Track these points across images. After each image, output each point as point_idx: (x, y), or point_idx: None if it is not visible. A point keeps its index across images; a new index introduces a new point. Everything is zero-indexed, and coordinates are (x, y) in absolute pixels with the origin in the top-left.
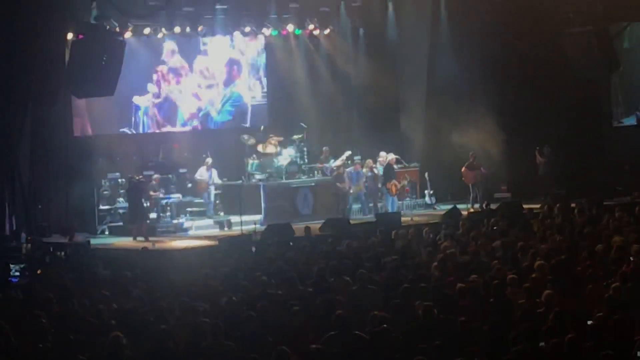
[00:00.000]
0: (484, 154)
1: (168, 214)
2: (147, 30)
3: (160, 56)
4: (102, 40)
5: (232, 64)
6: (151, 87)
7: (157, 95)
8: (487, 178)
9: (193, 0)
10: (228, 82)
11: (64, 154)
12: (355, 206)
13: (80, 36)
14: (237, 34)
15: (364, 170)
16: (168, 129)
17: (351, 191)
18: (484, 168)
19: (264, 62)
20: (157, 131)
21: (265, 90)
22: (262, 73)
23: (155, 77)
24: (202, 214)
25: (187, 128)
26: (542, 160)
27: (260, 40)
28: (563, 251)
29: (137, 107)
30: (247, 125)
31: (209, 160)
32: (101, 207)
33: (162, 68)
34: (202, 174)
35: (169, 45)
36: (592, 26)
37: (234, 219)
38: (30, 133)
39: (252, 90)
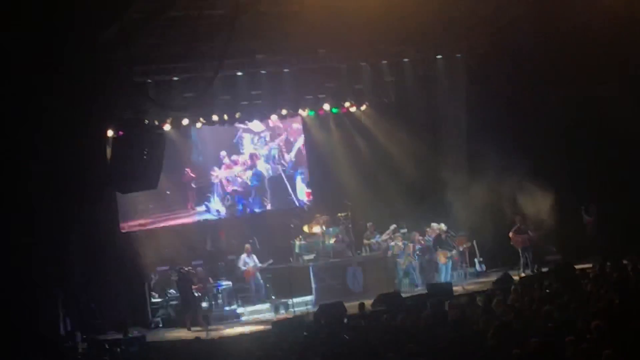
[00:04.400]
0: (531, 217)
1: (220, 301)
2: (185, 121)
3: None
4: (142, 135)
5: (273, 148)
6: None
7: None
8: (536, 241)
9: (228, 88)
10: (269, 165)
11: (113, 250)
12: (405, 279)
13: (120, 132)
14: (274, 117)
15: (412, 242)
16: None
17: (401, 264)
18: (532, 231)
19: (302, 142)
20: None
21: (307, 171)
22: (302, 154)
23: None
24: (253, 299)
25: (230, 213)
26: (589, 219)
27: (298, 121)
28: (619, 310)
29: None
30: (291, 206)
31: (248, 246)
32: (153, 300)
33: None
34: (244, 261)
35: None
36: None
37: (286, 301)
38: (78, 232)
39: (294, 172)
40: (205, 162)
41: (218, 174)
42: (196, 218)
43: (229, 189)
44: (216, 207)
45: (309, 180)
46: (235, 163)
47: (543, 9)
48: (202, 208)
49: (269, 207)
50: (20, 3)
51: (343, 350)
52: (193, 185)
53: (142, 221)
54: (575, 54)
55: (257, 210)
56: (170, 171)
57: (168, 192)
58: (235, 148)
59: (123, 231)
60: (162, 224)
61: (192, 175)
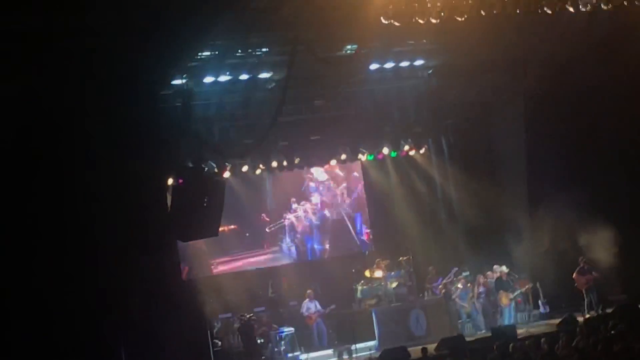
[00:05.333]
0: (595, 256)
1: (282, 348)
2: (245, 168)
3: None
4: (202, 183)
5: (336, 195)
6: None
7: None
8: (600, 282)
9: (287, 134)
10: (332, 209)
11: (175, 298)
12: (468, 322)
13: (180, 181)
14: (333, 162)
15: (475, 285)
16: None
17: (463, 307)
18: (596, 271)
19: (362, 187)
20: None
21: (366, 213)
22: (362, 198)
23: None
24: (316, 346)
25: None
26: None
27: (358, 169)
28: None
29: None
30: (353, 249)
31: (311, 292)
32: (216, 347)
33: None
34: (307, 307)
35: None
36: None
37: (349, 347)
38: (140, 280)
39: (355, 214)
40: (278, 208)
41: (289, 218)
42: (271, 256)
43: (299, 229)
44: (288, 246)
45: (369, 223)
46: (305, 210)
47: (604, 49)
48: (277, 248)
49: (327, 247)
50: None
51: None
52: (267, 230)
53: (228, 258)
54: (637, 93)
55: (317, 246)
56: (246, 215)
57: (247, 234)
58: (303, 195)
59: (184, 277)
60: (241, 262)
61: (266, 219)
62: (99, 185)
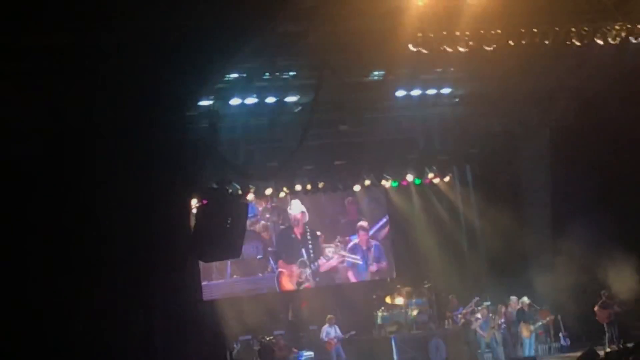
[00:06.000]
0: (617, 291)
1: None
2: (269, 191)
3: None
4: (226, 204)
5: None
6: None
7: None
8: (622, 316)
9: (311, 158)
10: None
11: (195, 319)
12: (489, 353)
13: (204, 201)
14: (357, 187)
15: (496, 315)
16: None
17: (484, 337)
18: (618, 306)
19: (385, 214)
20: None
21: (388, 241)
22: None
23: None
24: None
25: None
26: None
27: (382, 192)
28: None
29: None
30: (373, 278)
31: (332, 317)
32: None
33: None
34: (327, 332)
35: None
36: None
37: None
38: (161, 300)
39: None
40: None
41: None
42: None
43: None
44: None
45: (392, 251)
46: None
47: (632, 83)
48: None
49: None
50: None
51: None
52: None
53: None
54: None
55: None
56: None
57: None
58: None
59: (205, 298)
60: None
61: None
62: (123, 205)
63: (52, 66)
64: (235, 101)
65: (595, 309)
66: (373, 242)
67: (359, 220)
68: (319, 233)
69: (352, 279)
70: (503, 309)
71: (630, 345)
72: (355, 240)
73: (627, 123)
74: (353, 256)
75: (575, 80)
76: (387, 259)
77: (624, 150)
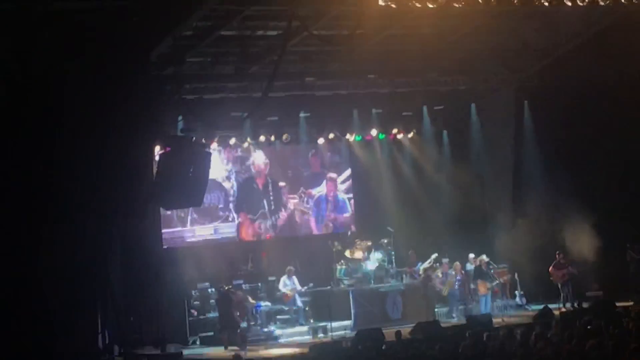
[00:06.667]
0: (574, 252)
1: (258, 322)
2: (232, 141)
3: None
4: (189, 152)
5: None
6: None
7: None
8: (577, 277)
9: (277, 110)
10: (317, 187)
11: (155, 266)
12: (444, 309)
13: (167, 149)
14: (321, 140)
15: (453, 272)
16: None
17: (442, 292)
18: (572, 267)
19: (348, 167)
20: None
21: (350, 195)
22: (347, 178)
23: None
24: (292, 322)
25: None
26: (634, 257)
27: (345, 146)
28: None
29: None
30: (334, 230)
31: (291, 269)
32: (192, 317)
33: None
34: (285, 283)
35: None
36: None
37: (324, 325)
38: (121, 246)
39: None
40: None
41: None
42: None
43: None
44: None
45: (353, 205)
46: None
47: (598, 42)
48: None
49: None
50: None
51: None
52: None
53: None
54: (633, 89)
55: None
56: None
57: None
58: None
59: (165, 245)
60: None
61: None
62: (86, 151)
63: (19, 14)
64: (201, 50)
65: (550, 269)
66: (337, 195)
67: (322, 172)
68: (282, 184)
69: (313, 231)
70: (461, 267)
71: (586, 306)
72: (319, 191)
73: (591, 85)
74: (311, 208)
75: (541, 41)
76: (349, 212)
77: (587, 112)
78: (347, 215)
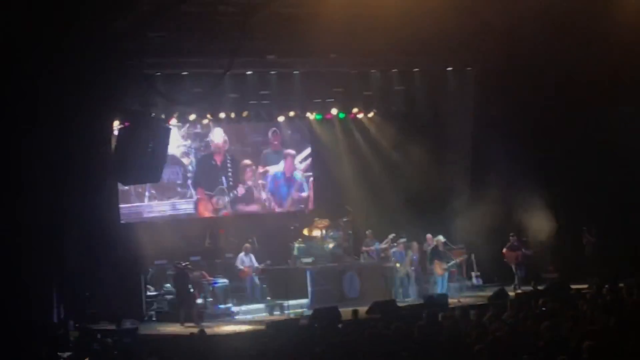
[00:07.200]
0: (529, 235)
1: (215, 298)
2: (192, 117)
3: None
4: (148, 127)
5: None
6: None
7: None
8: (532, 259)
9: (237, 87)
10: (275, 165)
11: (111, 241)
12: (401, 288)
13: (126, 123)
14: (281, 118)
15: (411, 252)
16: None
17: (398, 273)
18: (527, 249)
19: (308, 145)
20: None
21: (309, 173)
22: (306, 157)
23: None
24: (248, 299)
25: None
26: (590, 240)
27: (305, 124)
28: (612, 332)
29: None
30: (292, 209)
31: (248, 246)
32: (148, 293)
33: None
34: (242, 260)
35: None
36: None
37: (281, 303)
38: (77, 220)
39: (297, 174)
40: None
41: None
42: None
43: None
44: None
45: (312, 183)
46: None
47: (559, 24)
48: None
49: (271, 209)
50: None
51: (335, 356)
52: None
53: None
54: (591, 70)
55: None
56: None
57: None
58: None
59: (122, 221)
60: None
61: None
62: (43, 123)
63: None
64: (162, 25)
65: (504, 251)
66: (296, 172)
67: (282, 150)
68: (241, 162)
69: (271, 208)
70: (418, 247)
71: (541, 287)
72: (277, 168)
73: (552, 66)
74: (267, 185)
75: (502, 23)
76: (307, 190)
77: (548, 94)
78: (305, 193)
